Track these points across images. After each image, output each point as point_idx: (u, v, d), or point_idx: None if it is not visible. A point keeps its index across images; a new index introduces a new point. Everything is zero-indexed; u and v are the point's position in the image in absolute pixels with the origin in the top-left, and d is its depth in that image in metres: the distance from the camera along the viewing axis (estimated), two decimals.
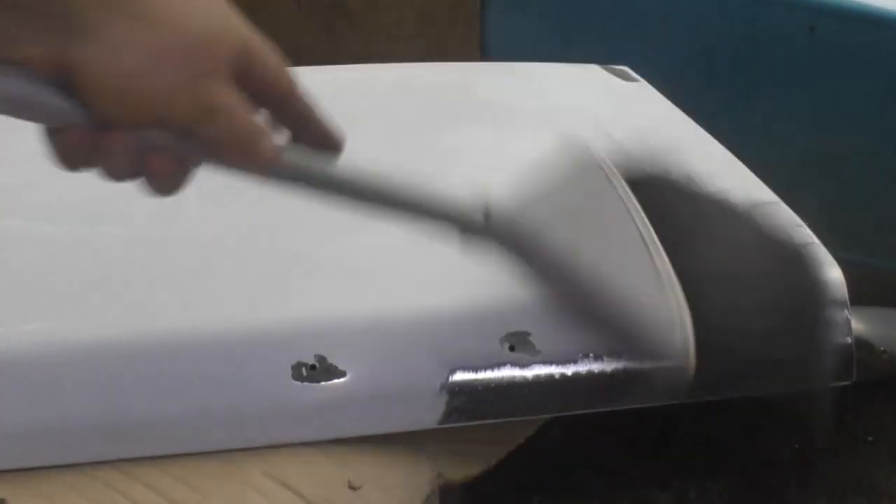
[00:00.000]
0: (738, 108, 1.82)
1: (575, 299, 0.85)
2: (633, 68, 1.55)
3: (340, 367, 0.94)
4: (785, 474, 1.54)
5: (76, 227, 1.07)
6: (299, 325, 0.95)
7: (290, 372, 0.93)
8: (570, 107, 1.43)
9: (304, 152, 0.74)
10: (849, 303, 1.04)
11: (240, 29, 0.70)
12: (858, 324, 1.07)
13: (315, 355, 0.94)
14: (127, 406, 0.92)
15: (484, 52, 2.16)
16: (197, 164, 0.72)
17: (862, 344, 1.11)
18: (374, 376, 0.95)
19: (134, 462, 0.92)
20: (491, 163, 1.23)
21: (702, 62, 1.89)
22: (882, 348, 1.22)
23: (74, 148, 0.68)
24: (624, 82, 1.51)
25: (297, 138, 0.76)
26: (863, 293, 1.10)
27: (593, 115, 1.39)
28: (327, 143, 0.77)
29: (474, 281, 0.99)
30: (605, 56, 1.60)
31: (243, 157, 0.71)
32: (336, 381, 0.94)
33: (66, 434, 0.91)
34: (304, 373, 0.93)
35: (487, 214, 0.80)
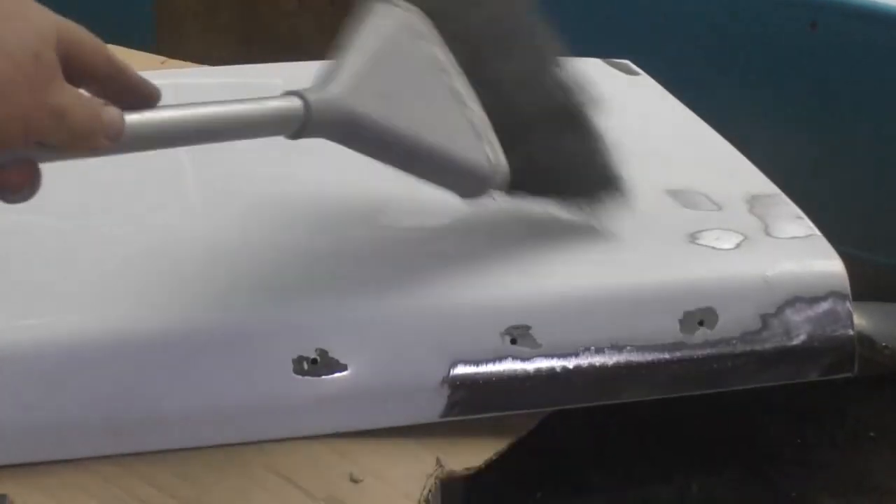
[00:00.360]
0: (739, 101, 1.82)
1: (404, 163, 0.91)
2: (635, 62, 1.55)
3: (342, 360, 0.94)
4: (787, 469, 1.54)
5: (77, 221, 1.07)
6: (301, 319, 0.95)
7: (291, 366, 0.93)
8: None
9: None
10: (851, 297, 1.04)
11: (49, 22, 0.70)
12: (860, 319, 1.07)
13: (316, 349, 0.94)
14: (128, 401, 0.92)
15: None
16: (49, 161, 0.72)
17: (864, 339, 1.11)
18: (375, 370, 0.95)
19: (135, 457, 0.92)
20: None
21: (703, 56, 1.88)
22: (884, 344, 1.22)
23: None
24: (626, 76, 1.51)
25: (120, 103, 0.75)
26: (865, 288, 1.10)
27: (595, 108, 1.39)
28: (151, 95, 0.77)
29: (476, 274, 0.99)
30: (607, 50, 1.60)
31: (94, 143, 0.72)
32: (337, 374, 0.94)
33: (67, 429, 0.91)
34: (306, 366, 0.93)
35: (307, 107, 0.82)
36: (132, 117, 0.74)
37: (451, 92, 0.95)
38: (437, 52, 0.96)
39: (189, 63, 1.66)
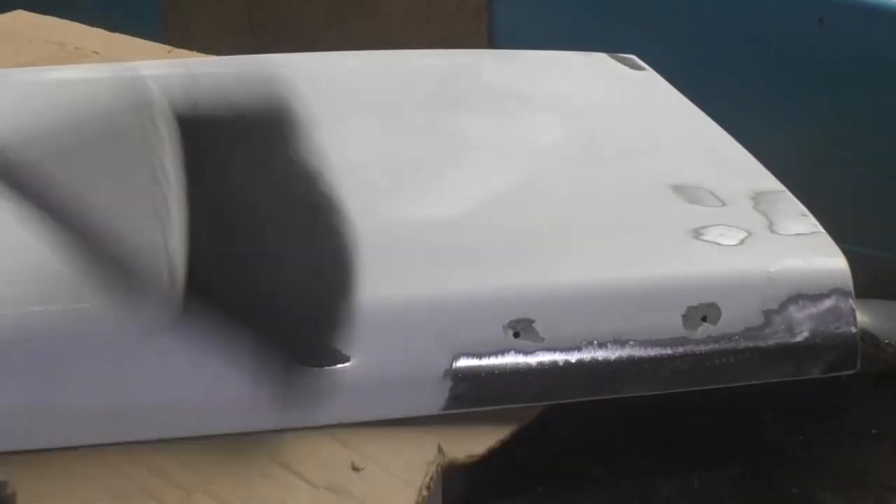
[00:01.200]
0: (745, 97, 1.82)
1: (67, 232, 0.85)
2: (641, 57, 1.55)
3: (345, 352, 0.94)
4: (789, 466, 1.54)
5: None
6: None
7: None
8: (577, 95, 1.43)
9: None
10: (854, 295, 1.04)
11: None
12: (863, 316, 1.07)
13: None
14: (132, 389, 0.92)
15: (491, 39, 2.15)
16: None
17: (867, 336, 1.11)
18: (378, 362, 0.95)
19: (139, 445, 0.92)
20: (494, 149, 1.23)
21: (710, 52, 1.88)
22: (887, 341, 1.22)
23: None
24: (632, 71, 1.51)
25: None
26: (868, 286, 1.10)
27: (600, 102, 1.39)
28: None
29: (479, 267, 0.99)
30: (613, 45, 1.60)
31: None
32: (340, 365, 0.94)
33: (72, 416, 0.92)
34: None
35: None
36: None
37: (152, 170, 0.89)
38: (158, 131, 0.92)
39: (195, 52, 1.66)
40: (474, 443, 0.95)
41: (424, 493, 0.90)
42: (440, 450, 0.94)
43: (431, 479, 0.91)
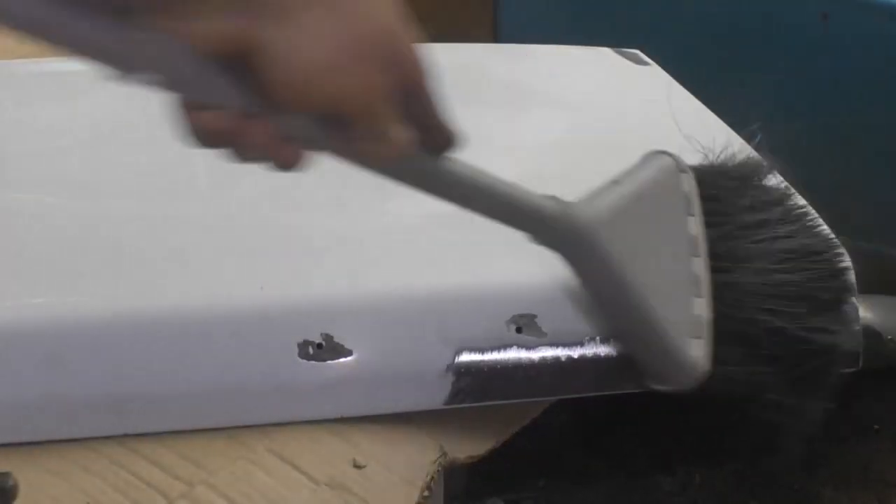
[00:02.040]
0: (749, 92, 1.82)
1: (615, 320, 0.87)
2: (645, 53, 1.55)
3: (347, 345, 0.94)
4: (790, 462, 1.54)
5: (87, 201, 1.07)
6: (307, 304, 0.95)
7: (296, 350, 0.93)
8: (581, 90, 1.43)
9: (421, 150, 0.72)
10: (857, 291, 1.04)
11: (405, 24, 0.68)
12: (866, 312, 1.07)
13: (322, 334, 0.94)
14: (133, 382, 0.92)
15: (496, 33, 2.15)
16: (325, 151, 0.69)
17: (869, 332, 1.11)
18: (380, 356, 0.95)
19: (139, 438, 0.92)
20: (500, 147, 1.23)
21: (714, 47, 1.88)
22: (889, 337, 1.22)
23: (213, 129, 0.65)
24: (636, 66, 1.50)
25: (420, 137, 0.72)
26: (871, 281, 1.10)
27: (603, 97, 1.39)
28: (446, 143, 0.74)
29: (482, 261, 0.99)
30: (617, 39, 1.60)
31: (380, 157, 0.70)
32: (342, 359, 0.94)
33: (72, 408, 0.92)
34: (311, 351, 0.93)
35: (563, 220, 0.80)
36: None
37: (691, 276, 0.90)
38: (695, 229, 0.92)
39: None
40: (476, 443, 0.95)
41: (426, 492, 0.90)
42: (441, 450, 0.94)
43: (433, 478, 0.91)
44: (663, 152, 0.95)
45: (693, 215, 0.93)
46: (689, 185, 0.94)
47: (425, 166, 0.73)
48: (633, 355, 0.89)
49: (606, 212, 0.83)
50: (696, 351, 0.87)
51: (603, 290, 0.85)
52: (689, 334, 0.87)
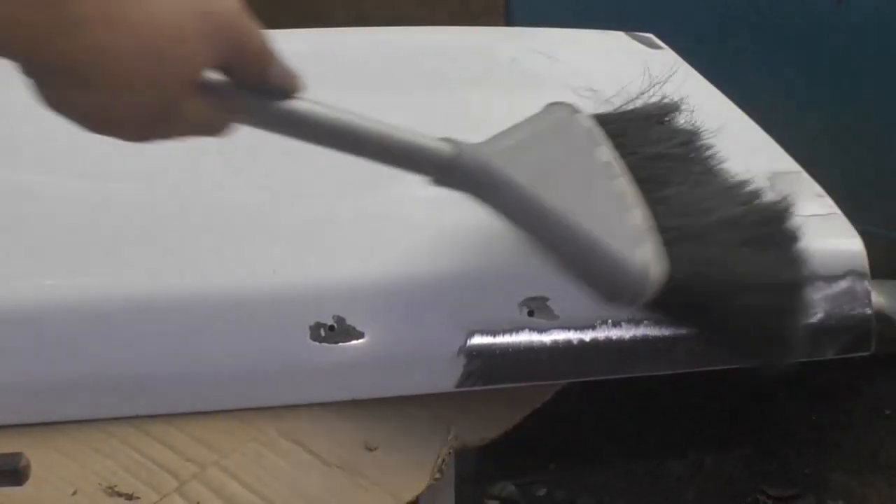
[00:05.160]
0: (763, 77, 1.81)
1: (544, 235, 0.87)
2: (658, 36, 1.54)
3: (359, 328, 0.94)
4: (801, 447, 1.54)
5: (98, 184, 1.07)
6: (319, 286, 0.96)
7: (308, 332, 0.93)
8: (593, 73, 1.42)
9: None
10: (869, 275, 1.03)
11: (219, 15, 0.71)
12: (878, 297, 1.07)
13: (334, 316, 0.94)
14: (145, 363, 0.92)
15: (508, 17, 2.15)
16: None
17: (881, 317, 1.10)
18: (391, 338, 0.95)
19: (151, 419, 0.92)
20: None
21: (727, 31, 1.87)
22: None
23: None
24: (649, 49, 1.50)
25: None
26: (884, 266, 1.10)
27: (617, 81, 1.38)
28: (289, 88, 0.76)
29: (494, 244, 0.99)
30: (631, 23, 1.59)
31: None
32: (354, 342, 0.94)
33: (84, 389, 0.92)
34: (323, 333, 0.93)
35: (460, 158, 0.81)
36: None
37: (614, 194, 0.91)
38: (606, 155, 0.94)
39: None
40: (487, 426, 0.95)
41: (437, 475, 0.90)
42: (453, 433, 0.94)
43: (444, 461, 0.91)
44: (557, 102, 0.96)
45: (600, 145, 0.94)
46: (588, 122, 0.96)
47: (312, 113, 0.76)
48: (584, 279, 0.89)
49: (505, 147, 0.86)
50: (643, 256, 0.87)
51: (521, 216, 0.86)
52: (630, 244, 0.87)
